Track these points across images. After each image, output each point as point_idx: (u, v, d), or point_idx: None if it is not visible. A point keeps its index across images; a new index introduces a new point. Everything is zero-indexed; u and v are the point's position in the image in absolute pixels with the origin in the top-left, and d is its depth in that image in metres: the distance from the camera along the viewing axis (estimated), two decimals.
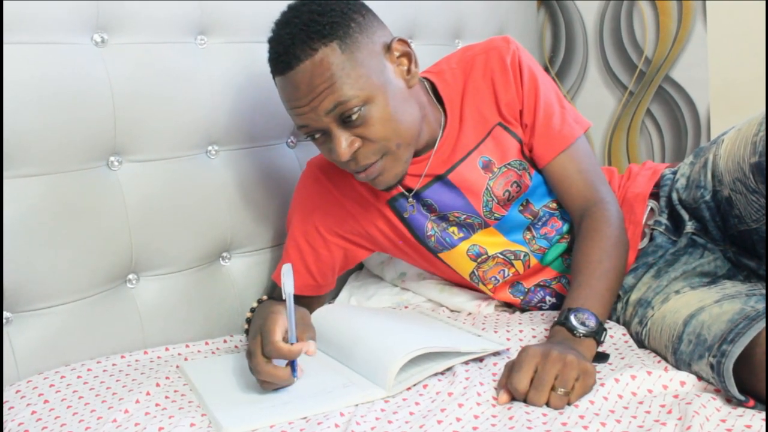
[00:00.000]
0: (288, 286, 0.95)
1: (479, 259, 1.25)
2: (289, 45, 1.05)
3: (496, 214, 1.23)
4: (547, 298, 1.27)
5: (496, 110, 1.22)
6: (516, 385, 0.90)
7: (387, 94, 1.08)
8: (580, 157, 1.22)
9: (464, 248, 1.25)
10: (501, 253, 1.25)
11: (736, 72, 1.78)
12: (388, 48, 1.11)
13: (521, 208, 1.24)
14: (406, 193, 1.23)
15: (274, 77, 1.11)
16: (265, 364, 0.96)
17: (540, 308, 1.28)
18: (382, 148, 1.10)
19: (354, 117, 1.06)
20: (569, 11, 2.10)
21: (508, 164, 1.22)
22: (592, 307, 1.03)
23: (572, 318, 1.01)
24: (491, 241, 1.25)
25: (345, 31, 1.05)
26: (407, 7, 1.64)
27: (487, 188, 1.22)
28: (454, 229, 1.24)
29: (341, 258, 1.30)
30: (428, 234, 1.25)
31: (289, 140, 1.45)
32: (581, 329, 1.00)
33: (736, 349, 0.86)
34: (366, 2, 1.14)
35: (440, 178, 1.22)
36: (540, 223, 1.25)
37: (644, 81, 1.97)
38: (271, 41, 1.10)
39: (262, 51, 1.35)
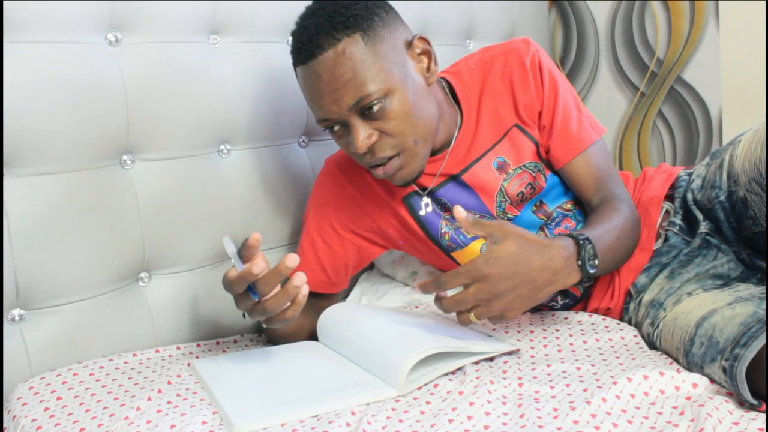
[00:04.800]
0: (230, 249, 1.01)
1: None
2: (313, 34, 1.06)
3: (509, 215, 1.23)
4: (559, 297, 1.27)
5: (513, 111, 1.22)
6: (446, 281, 0.96)
7: (407, 88, 1.10)
8: (596, 160, 1.22)
9: (477, 246, 1.25)
10: None
11: (749, 73, 1.77)
12: (409, 45, 1.13)
13: (534, 208, 1.24)
14: (421, 192, 1.24)
15: (295, 68, 1.12)
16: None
17: (551, 308, 1.28)
18: (399, 143, 1.10)
19: (374, 109, 1.07)
20: (581, 11, 2.09)
21: (523, 166, 1.22)
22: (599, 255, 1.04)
23: (588, 250, 1.02)
24: None
25: (369, 24, 1.07)
26: (419, 7, 1.64)
27: (500, 189, 1.22)
28: None
29: (355, 255, 1.30)
30: (442, 232, 1.25)
31: (301, 140, 1.45)
32: (588, 269, 1.02)
33: (749, 353, 0.85)
34: (393, 16, 1.16)
35: (454, 178, 1.23)
36: (553, 224, 1.25)
37: (656, 82, 1.96)
38: (294, 33, 1.12)
39: (275, 51, 1.37)
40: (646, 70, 1.98)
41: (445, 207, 1.24)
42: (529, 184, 1.22)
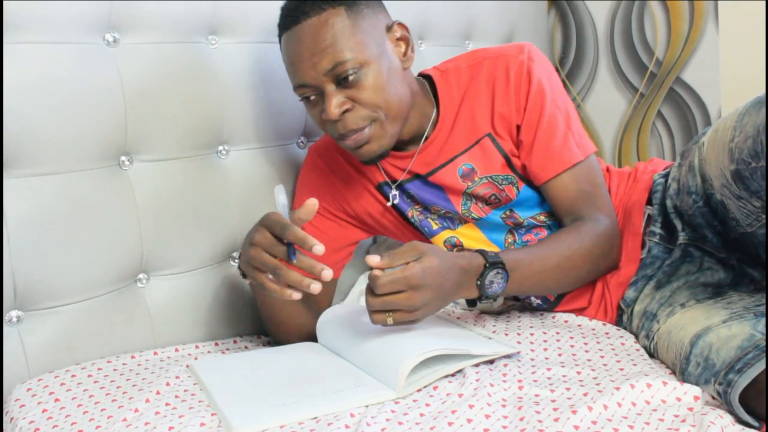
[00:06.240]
0: (281, 199, 1.01)
1: (455, 250, 1.27)
2: (300, 2, 1.12)
3: (473, 214, 1.24)
4: (532, 298, 1.26)
5: (489, 120, 1.21)
6: (377, 285, 0.96)
7: (382, 64, 1.14)
8: (579, 181, 1.19)
9: (442, 238, 1.28)
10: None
11: (748, 74, 1.77)
12: (389, 28, 1.18)
13: (504, 215, 1.24)
14: (390, 183, 1.27)
15: (280, 38, 1.17)
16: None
17: (530, 305, 1.28)
18: (370, 115, 1.14)
19: (350, 77, 1.11)
20: (580, 12, 2.09)
21: (490, 177, 1.22)
22: (514, 276, 1.07)
23: (490, 275, 1.05)
24: (470, 235, 1.26)
25: (353, 1, 1.12)
26: (417, 7, 1.64)
27: (466, 191, 1.23)
28: (436, 219, 1.27)
29: (341, 237, 1.32)
30: (411, 220, 1.29)
31: (300, 141, 1.45)
32: (487, 290, 1.05)
33: (743, 381, 0.84)
34: (377, 2, 1.19)
35: (421, 177, 1.25)
36: (523, 230, 1.25)
37: (655, 83, 1.96)
38: (283, 6, 1.17)
39: (274, 52, 1.36)
40: (646, 71, 1.98)
41: (413, 199, 1.27)
42: (494, 194, 1.22)
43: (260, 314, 1.25)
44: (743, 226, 1.03)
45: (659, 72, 1.95)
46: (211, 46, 1.30)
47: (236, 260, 1.34)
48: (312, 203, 0.98)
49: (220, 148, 1.31)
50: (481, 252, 1.07)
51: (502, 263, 1.06)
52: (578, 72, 2.12)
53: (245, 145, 1.34)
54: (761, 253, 1.05)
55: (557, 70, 2.15)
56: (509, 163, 1.22)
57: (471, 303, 1.11)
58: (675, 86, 1.93)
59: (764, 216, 0.99)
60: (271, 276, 0.98)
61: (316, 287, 0.94)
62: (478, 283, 1.05)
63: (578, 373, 0.98)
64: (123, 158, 1.20)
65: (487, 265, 1.05)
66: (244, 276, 1.08)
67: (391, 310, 0.98)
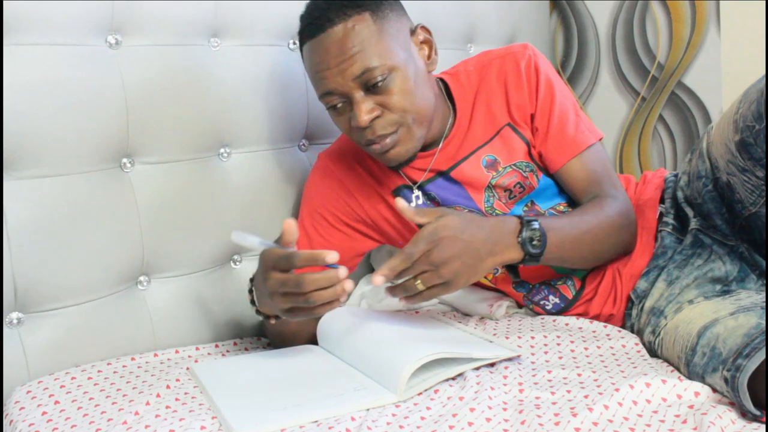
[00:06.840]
0: (251, 242, 1.01)
1: None
2: (325, 9, 1.11)
3: (497, 211, 1.24)
4: (551, 297, 1.26)
5: (506, 111, 1.24)
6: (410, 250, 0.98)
7: (409, 69, 1.14)
8: (593, 162, 1.23)
9: None
10: None
11: (750, 78, 1.77)
12: (412, 32, 1.19)
13: (526, 208, 1.25)
14: (411, 185, 1.27)
15: (302, 47, 1.16)
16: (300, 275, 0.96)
17: (543, 307, 1.28)
18: (399, 119, 1.14)
19: (378, 84, 1.11)
20: (582, 16, 2.09)
21: (514, 165, 1.24)
22: (551, 237, 1.07)
23: (528, 231, 1.05)
24: None
25: (377, 5, 1.13)
26: (419, 9, 1.64)
27: (489, 185, 1.24)
28: None
29: (349, 247, 1.31)
30: None
31: (301, 143, 1.45)
32: (529, 248, 1.05)
33: (752, 364, 0.85)
34: (399, 5, 1.20)
35: (443, 174, 1.25)
36: None
37: (657, 87, 1.96)
38: (304, 14, 1.16)
39: (276, 54, 1.36)
40: (647, 75, 1.98)
41: (434, 201, 1.27)
42: (519, 183, 1.24)
43: (273, 339, 1.23)
44: (748, 207, 1.07)
45: (661, 76, 1.95)
46: (213, 48, 1.30)
47: (238, 263, 1.34)
48: (289, 224, 1.00)
49: (222, 150, 1.31)
50: (517, 215, 1.09)
51: (536, 220, 1.07)
52: (580, 75, 2.12)
53: (247, 148, 1.34)
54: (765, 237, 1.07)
55: (559, 73, 2.15)
56: (529, 151, 1.24)
57: (513, 273, 1.09)
58: (677, 90, 1.92)
59: (766, 187, 1.02)
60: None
61: (345, 300, 0.98)
62: (519, 239, 1.05)
63: (579, 375, 0.98)
64: (124, 160, 1.20)
65: (523, 222, 1.06)
66: (267, 317, 1.09)
67: (416, 276, 1.00)
